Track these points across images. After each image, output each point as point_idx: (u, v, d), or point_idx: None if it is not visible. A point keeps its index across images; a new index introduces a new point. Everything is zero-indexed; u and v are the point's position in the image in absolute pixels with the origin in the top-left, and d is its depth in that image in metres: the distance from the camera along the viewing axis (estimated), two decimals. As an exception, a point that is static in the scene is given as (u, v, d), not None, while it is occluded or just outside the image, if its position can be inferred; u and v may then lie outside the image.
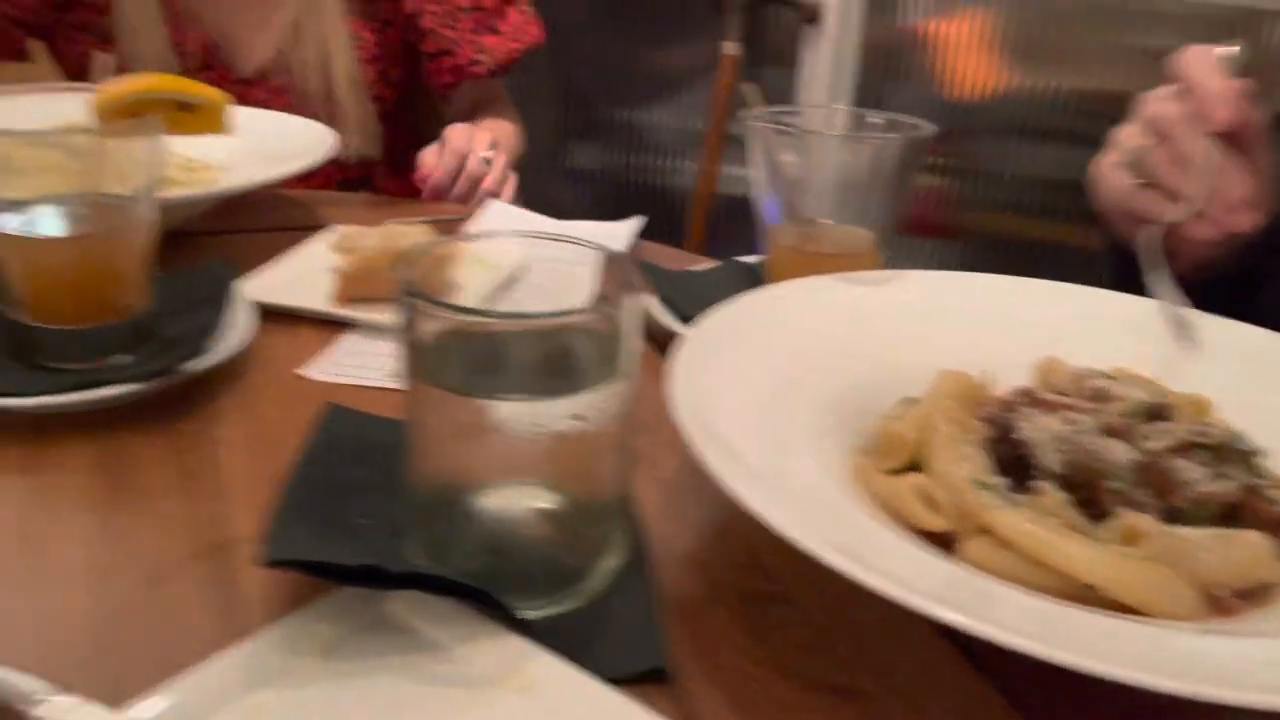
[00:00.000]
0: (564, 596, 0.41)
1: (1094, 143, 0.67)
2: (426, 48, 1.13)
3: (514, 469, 0.41)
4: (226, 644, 0.37)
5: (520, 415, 0.40)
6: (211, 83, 1.06)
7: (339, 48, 1.07)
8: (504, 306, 0.44)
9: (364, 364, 0.61)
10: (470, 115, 1.20)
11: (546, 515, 0.42)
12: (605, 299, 0.41)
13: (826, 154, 0.63)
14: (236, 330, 0.59)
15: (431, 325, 0.39)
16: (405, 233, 0.71)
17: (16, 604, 0.40)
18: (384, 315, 0.66)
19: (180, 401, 0.55)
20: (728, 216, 1.61)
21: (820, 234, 0.65)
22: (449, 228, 0.85)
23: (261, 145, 0.77)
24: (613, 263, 0.44)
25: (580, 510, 0.42)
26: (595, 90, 1.73)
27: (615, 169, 1.79)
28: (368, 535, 0.43)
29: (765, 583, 0.44)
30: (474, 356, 0.41)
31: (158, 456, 0.50)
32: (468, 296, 0.68)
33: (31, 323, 0.56)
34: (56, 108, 0.57)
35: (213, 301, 0.62)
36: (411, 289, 0.39)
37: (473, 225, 0.86)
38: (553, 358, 0.40)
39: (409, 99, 1.22)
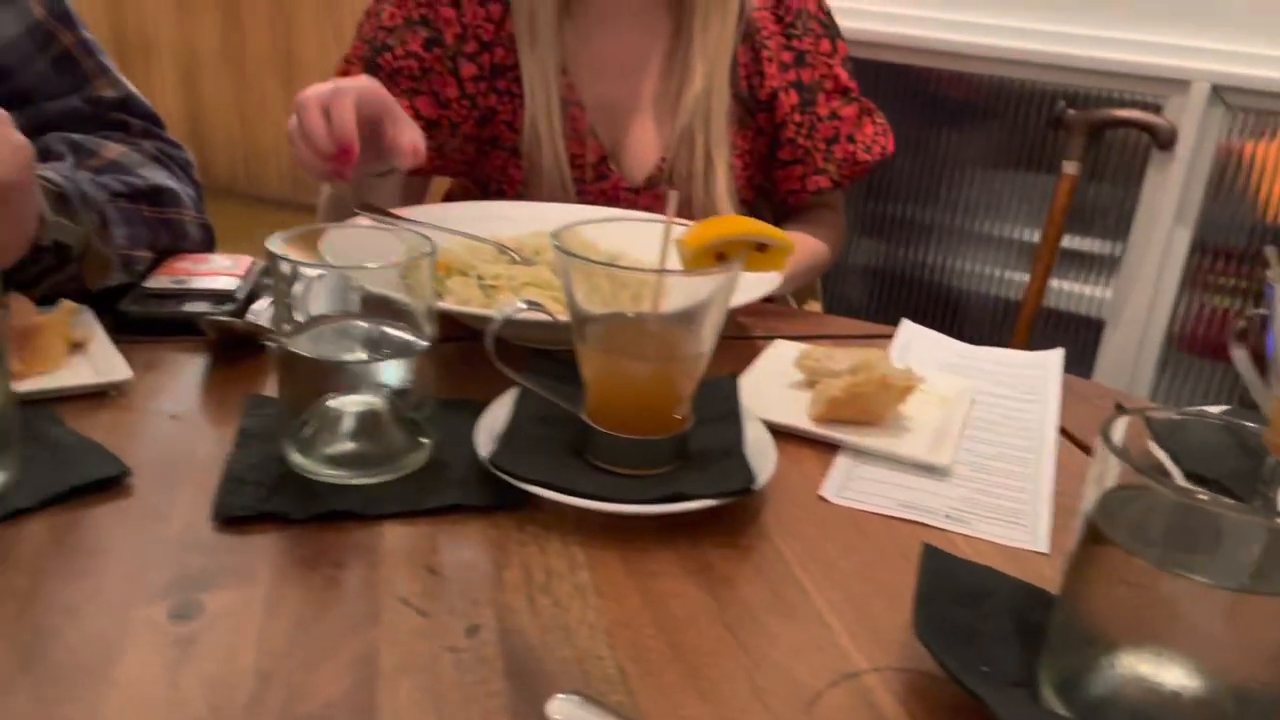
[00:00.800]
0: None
1: None
2: (781, 155, 1.16)
3: (1178, 645, 0.42)
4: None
5: (1209, 601, 0.40)
6: (604, 191, 1.14)
7: (721, 157, 1.13)
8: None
9: (872, 490, 0.64)
10: (797, 215, 1.24)
11: (1199, 696, 0.42)
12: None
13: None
14: (765, 448, 0.63)
15: (1119, 482, 0.41)
16: (877, 359, 0.73)
17: (705, 713, 0.44)
18: (877, 440, 0.68)
19: (728, 515, 0.59)
20: (1048, 330, 1.60)
21: (1340, 401, 0.64)
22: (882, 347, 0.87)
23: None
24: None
25: (1238, 700, 0.42)
26: (910, 192, 1.75)
27: (920, 270, 1.79)
28: (997, 684, 0.45)
29: None
30: (1164, 524, 0.42)
31: (740, 572, 0.54)
32: (920, 428, 0.71)
33: (594, 426, 0.61)
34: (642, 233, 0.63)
35: (731, 416, 0.66)
36: (1114, 447, 0.41)
37: (896, 349, 0.88)
38: (1257, 552, 0.41)
39: (758, 203, 1.26)
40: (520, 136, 1.11)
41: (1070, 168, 1.44)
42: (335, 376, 0.59)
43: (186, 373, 0.72)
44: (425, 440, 0.62)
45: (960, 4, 1.58)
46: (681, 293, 0.59)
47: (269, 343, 0.76)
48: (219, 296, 0.81)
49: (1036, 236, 1.57)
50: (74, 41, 0.94)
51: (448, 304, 0.74)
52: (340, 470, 0.59)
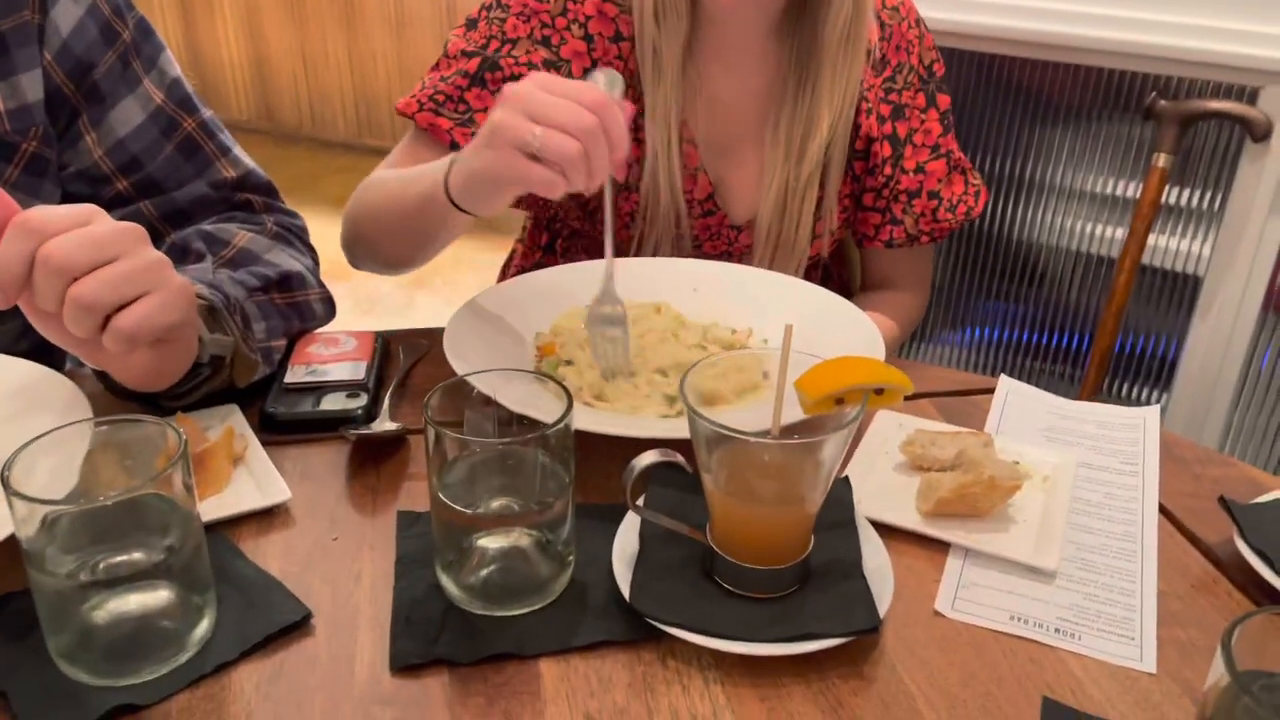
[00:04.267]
0: None
1: None
2: (864, 200, 1.16)
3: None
4: None
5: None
6: (709, 227, 1.15)
7: (832, 203, 1.13)
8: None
9: (984, 600, 0.68)
10: (884, 272, 1.24)
11: None
12: None
13: None
14: (882, 568, 0.67)
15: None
16: (983, 455, 0.77)
17: None
18: (985, 540, 0.72)
19: (852, 642, 0.63)
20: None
21: None
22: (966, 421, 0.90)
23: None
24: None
25: None
26: (993, 182, 1.73)
27: (1002, 265, 1.79)
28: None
29: None
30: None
31: (869, 709, 0.59)
32: (1026, 519, 0.73)
33: (721, 553, 0.66)
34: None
35: (845, 525, 0.70)
36: (1228, 661, 0.45)
37: (995, 407, 0.90)
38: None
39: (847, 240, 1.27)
40: (633, 171, 1.12)
41: (1161, 160, 1.42)
42: (484, 517, 0.65)
43: (337, 482, 0.78)
44: (568, 561, 0.67)
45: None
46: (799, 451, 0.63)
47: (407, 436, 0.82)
48: (352, 387, 0.86)
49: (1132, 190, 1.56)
50: (195, 125, 0.98)
51: (582, 423, 0.76)
52: (492, 602, 0.65)
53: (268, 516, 0.73)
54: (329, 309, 1.00)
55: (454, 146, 1.04)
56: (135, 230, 0.69)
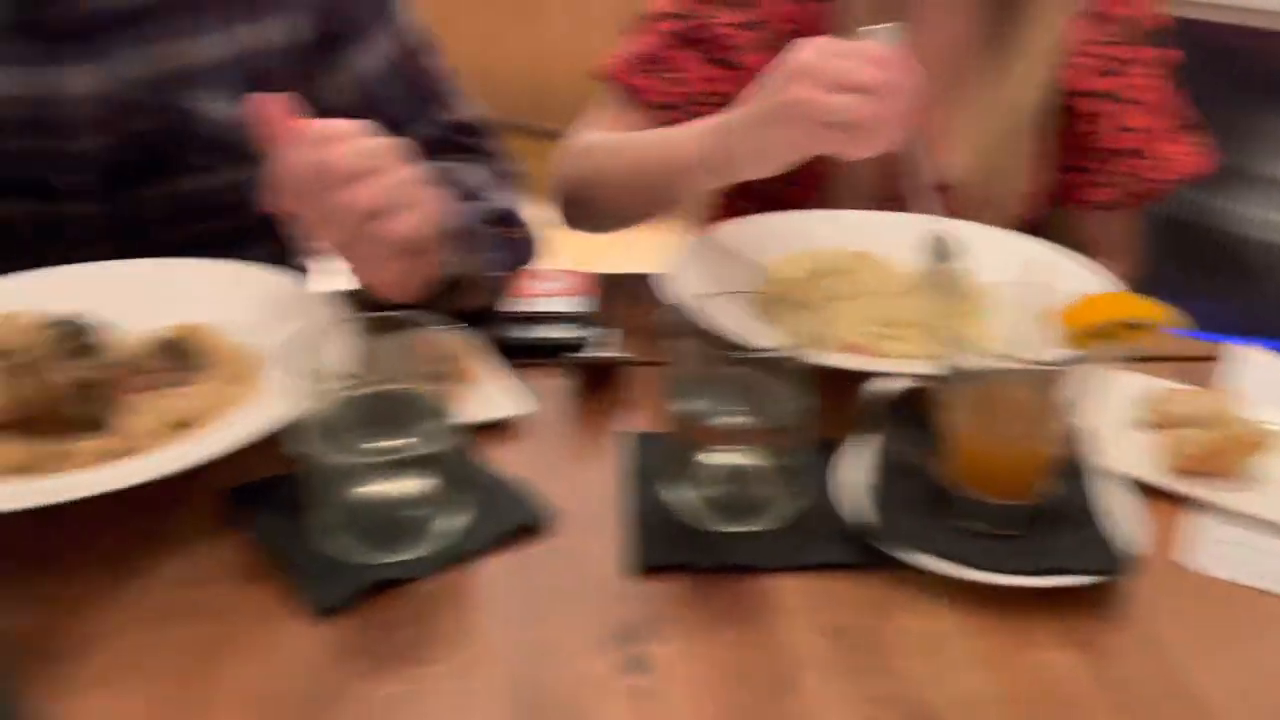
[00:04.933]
0: None
1: None
2: (1067, 160, 1.11)
3: None
4: None
5: None
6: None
7: (1036, 160, 1.09)
8: None
9: (1238, 558, 0.65)
10: (1088, 237, 1.17)
11: None
12: None
13: None
14: (1125, 509, 0.65)
15: None
16: (1226, 411, 0.73)
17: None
18: (1238, 498, 0.69)
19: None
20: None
21: None
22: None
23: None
24: None
25: None
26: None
27: (1212, 260, 1.70)
28: None
29: None
30: None
31: (1118, 645, 0.57)
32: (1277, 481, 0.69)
33: (959, 488, 0.65)
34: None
35: (1085, 472, 0.68)
36: None
37: (1230, 373, 0.86)
38: None
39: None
40: None
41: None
42: (720, 432, 0.66)
43: (561, 405, 0.80)
44: (799, 486, 0.67)
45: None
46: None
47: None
48: (571, 319, 0.89)
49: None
50: (431, 68, 1.03)
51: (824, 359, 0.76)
52: (723, 518, 0.66)
53: (498, 431, 0.76)
54: (540, 249, 1.03)
55: (659, 108, 1.07)
56: (403, 146, 0.74)
